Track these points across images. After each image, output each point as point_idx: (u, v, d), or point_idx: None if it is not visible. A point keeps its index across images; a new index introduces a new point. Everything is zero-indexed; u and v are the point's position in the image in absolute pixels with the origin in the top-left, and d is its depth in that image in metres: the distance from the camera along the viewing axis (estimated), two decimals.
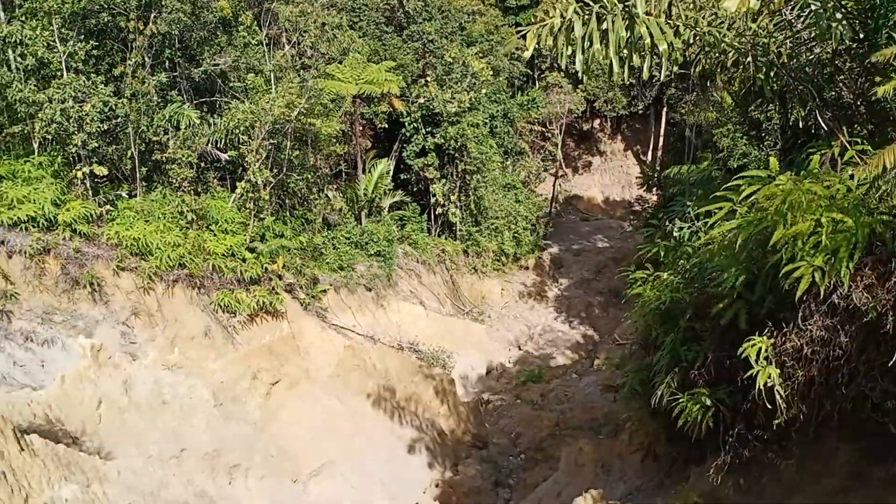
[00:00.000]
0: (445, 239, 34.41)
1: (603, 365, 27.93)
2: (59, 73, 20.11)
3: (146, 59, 22.23)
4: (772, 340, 8.95)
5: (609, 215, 50.64)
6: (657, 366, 11.79)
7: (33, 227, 18.71)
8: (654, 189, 42.27)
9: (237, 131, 22.39)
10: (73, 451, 13.40)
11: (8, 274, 18.25)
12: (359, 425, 20.53)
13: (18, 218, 18.53)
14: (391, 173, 33.25)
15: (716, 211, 10.16)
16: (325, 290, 25.44)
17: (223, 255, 21.01)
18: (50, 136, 19.73)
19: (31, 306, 18.30)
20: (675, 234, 14.37)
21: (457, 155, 32.73)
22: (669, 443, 13.02)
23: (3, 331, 17.55)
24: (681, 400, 10.67)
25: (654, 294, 12.48)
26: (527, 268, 38.27)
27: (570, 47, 9.09)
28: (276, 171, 23.64)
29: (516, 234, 36.70)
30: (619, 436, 17.35)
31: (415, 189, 34.52)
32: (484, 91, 35.27)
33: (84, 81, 19.72)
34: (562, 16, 9.03)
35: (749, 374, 8.98)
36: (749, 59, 9.92)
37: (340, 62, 28.50)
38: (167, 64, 23.70)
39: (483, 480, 20.60)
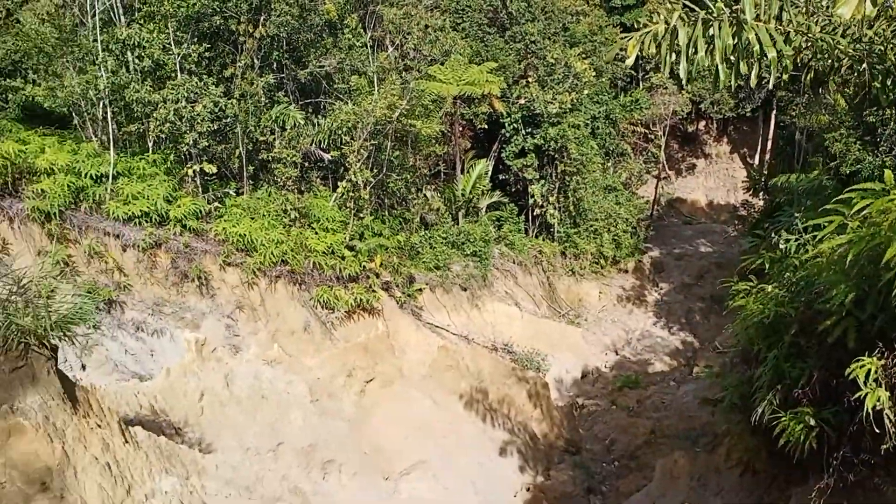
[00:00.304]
0: (543, 240, 34.11)
1: (702, 373, 27.16)
2: (173, 75, 20.94)
3: (255, 60, 22.90)
4: (882, 361, 8.55)
5: (713, 219, 49.23)
6: (759, 381, 11.43)
7: (146, 222, 19.58)
8: (761, 194, 40.88)
9: (340, 132, 22.82)
10: (173, 443, 13.90)
11: (122, 266, 19.20)
12: (451, 426, 20.62)
13: (133, 213, 19.42)
14: (489, 174, 33.26)
15: (825, 224, 9.75)
16: (420, 289, 25.66)
17: (324, 252, 21.46)
18: (163, 135, 20.55)
19: (143, 298, 19.18)
20: (780, 245, 13.90)
21: (556, 156, 32.39)
22: (769, 460, 12.62)
23: (117, 320, 18.48)
24: (783, 418, 10.32)
25: (757, 307, 12.08)
26: (626, 271, 37.59)
27: (673, 54, 8.87)
28: (376, 171, 23.93)
29: (616, 237, 36.06)
30: (716, 449, 16.84)
31: (513, 190, 34.36)
32: (586, 92, 34.79)
33: (196, 83, 20.47)
34: (666, 22, 8.82)
35: (857, 395, 8.60)
36: (864, 66, 9.47)
37: (442, 63, 28.64)
38: (275, 66, 24.30)
39: (575, 486, 20.41)
